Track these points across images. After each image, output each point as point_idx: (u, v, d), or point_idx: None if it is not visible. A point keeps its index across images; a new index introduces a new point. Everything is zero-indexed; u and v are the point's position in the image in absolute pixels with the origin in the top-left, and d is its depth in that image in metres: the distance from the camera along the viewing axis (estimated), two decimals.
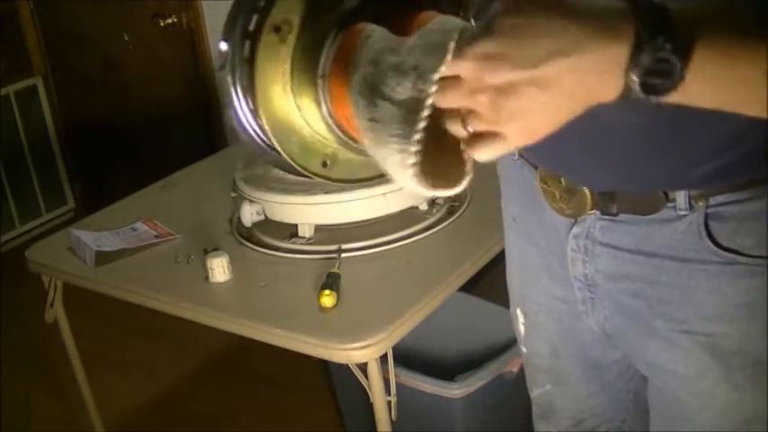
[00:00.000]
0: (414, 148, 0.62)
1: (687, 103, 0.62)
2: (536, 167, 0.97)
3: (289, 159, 0.77)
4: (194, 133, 3.23)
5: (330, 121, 0.75)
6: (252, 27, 0.73)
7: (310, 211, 1.63)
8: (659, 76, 0.58)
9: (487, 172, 1.35)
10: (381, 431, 1.46)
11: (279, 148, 0.76)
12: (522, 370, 1.23)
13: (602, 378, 1.11)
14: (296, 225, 1.66)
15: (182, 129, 3.27)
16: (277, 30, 0.72)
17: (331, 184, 1.61)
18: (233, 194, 1.77)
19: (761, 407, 0.91)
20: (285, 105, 0.75)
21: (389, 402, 1.44)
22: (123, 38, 3.20)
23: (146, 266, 1.68)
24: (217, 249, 1.61)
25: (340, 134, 0.75)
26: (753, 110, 0.64)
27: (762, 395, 0.91)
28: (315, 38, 0.73)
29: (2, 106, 3.38)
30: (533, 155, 0.98)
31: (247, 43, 0.73)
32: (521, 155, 1.02)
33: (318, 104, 0.74)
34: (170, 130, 3.28)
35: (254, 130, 0.78)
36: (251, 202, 1.66)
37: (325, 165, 0.79)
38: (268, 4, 0.72)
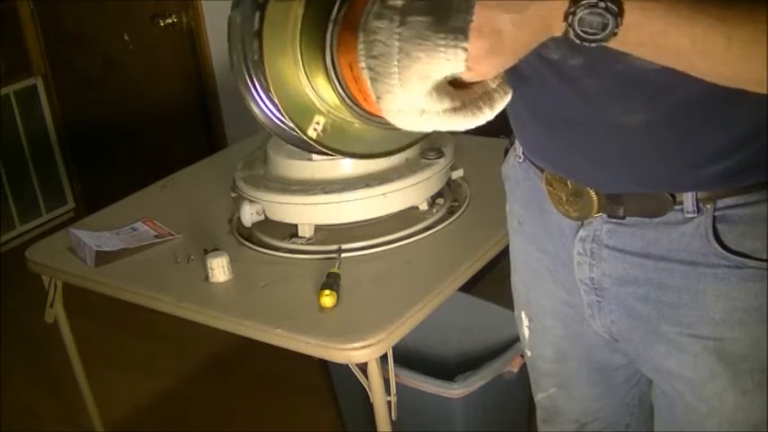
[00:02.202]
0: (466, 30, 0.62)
1: (623, 49, 0.67)
2: (542, 170, 0.97)
3: (284, 112, 0.75)
4: (194, 133, 3.23)
5: (332, 72, 0.72)
6: None
7: (310, 211, 1.63)
8: (591, 27, 0.64)
9: (488, 172, 1.35)
10: (381, 431, 1.46)
11: (275, 99, 0.74)
12: (522, 370, 1.23)
13: (607, 382, 1.11)
14: (296, 225, 1.66)
15: (182, 128, 3.27)
16: None
17: (330, 181, 1.61)
18: (233, 194, 1.77)
19: None
20: (290, 54, 0.73)
21: (389, 402, 1.44)
22: (123, 38, 3.20)
23: (146, 266, 1.68)
24: (217, 249, 1.61)
25: (339, 88, 0.73)
26: (688, 71, 0.69)
27: None
28: None
29: (2, 106, 3.37)
30: (539, 157, 0.98)
31: None
32: (526, 157, 1.01)
33: (323, 51, 0.72)
34: (170, 129, 3.28)
35: (254, 80, 0.77)
36: (251, 202, 1.66)
37: (317, 128, 0.77)
38: None
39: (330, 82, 0.73)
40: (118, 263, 1.70)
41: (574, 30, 0.64)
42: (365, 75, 0.65)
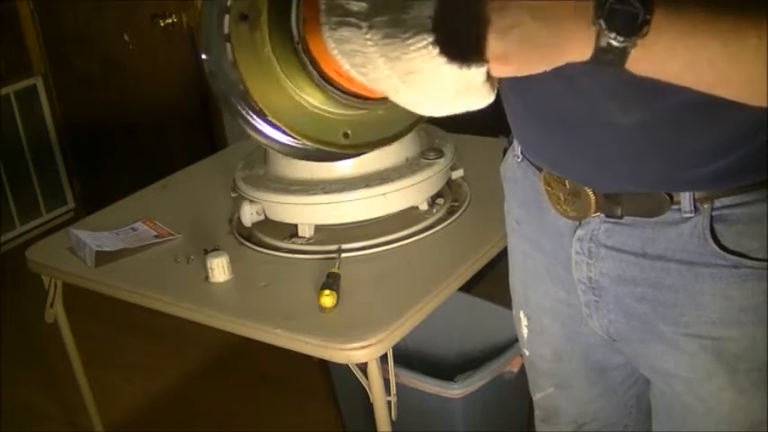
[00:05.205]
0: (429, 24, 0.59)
1: (654, 70, 0.64)
2: (540, 169, 0.97)
3: (311, 144, 0.74)
4: (194, 133, 3.23)
5: (327, 88, 0.70)
6: (226, 28, 0.70)
7: (310, 211, 1.63)
8: (623, 19, 0.61)
9: (488, 172, 1.35)
10: (381, 431, 1.46)
11: (296, 136, 0.73)
12: (522, 370, 1.23)
13: (605, 382, 1.11)
14: (296, 225, 1.66)
15: (182, 128, 3.27)
16: (244, 18, 0.68)
17: (330, 181, 1.60)
18: (233, 194, 1.77)
19: (767, 411, 0.91)
20: (283, 92, 0.72)
21: (389, 402, 1.44)
22: (123, 38, 3.20)
23: (146, 266, 1.68)
24: (217, 249, 1.61)
25: (342, 97, 0.71)
26: (720, 88, 0.65)
27: None
28: (283, 9, 0.69)
29: (2, 106, 3.38)
30: (537, 156, 0.98)
31: (228, 46, 0.70)
32: (524, 156, 1.01)
33: (308, 73, 0.70)
34: (170, 129, 3.28)
35: (266, 129, 0.76)
36: (251, 202, 1.66)
37: (347, 135, 0.75)
38: None
39: (331, 97, 0.72)
40: (118, 263, 1.70)
41: (606, 22, 0.60)
42: (358, 77, 0.64)
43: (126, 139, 3.44)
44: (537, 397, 1.20)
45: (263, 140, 0.76)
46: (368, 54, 0.61)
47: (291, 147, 0.77)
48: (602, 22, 0.61)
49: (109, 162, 3.56)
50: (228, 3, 0.69)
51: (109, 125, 3.43)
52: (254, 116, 0.74)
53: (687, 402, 0.95)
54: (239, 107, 0.74)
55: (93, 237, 1.76)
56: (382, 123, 0.77)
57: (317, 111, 0.73)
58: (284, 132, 0.74)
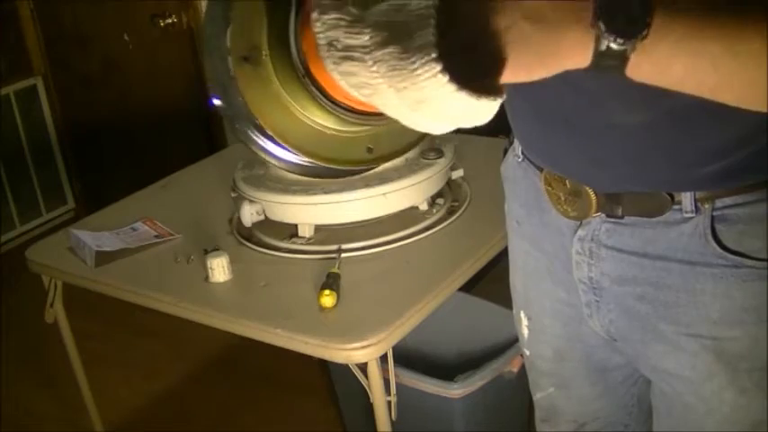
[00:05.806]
0: (433, 52, 0.57)
1: (656, 76, 0.62)
2: (540, 169, 0.97)
3: (339, 166, 0.73)
4: (194, 133, 3.23)
5: (338, 111, 0.70)
6: (231, 71, 0.69)
7: (310, 211, 1.63)
8: (623, 21, 0.58)
9: (488, 172, 1.35)
10: (381, 431, 1.46)
11: (321, 164, 0.73)
12: (522, 370, 1.23)
13: (605, 382, 1.11)
14: (296, 225, 1.66)
15: (182, 128, 3.27)
16: (246, 59, 0.68)
17: (330, 181, 1.60)
18: (233, 194, 1.77)
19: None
20: (299, 122, 0.72)
21: (389, 402, 1.44)
22: (123, 38, 3.20)
23: (146, 266, 1.68)
24: (217, 249, 1.61)
25: (354, 118, 0.71)
26: (722, 94, 0.64)
27: None
28: (282, 43, 0.69)
29: (2, 106, 3.38)
30: (537, 156, 0.98)
31: (236, 86, 0.70)
32: (525, 156, 1.01)
33: (319, 102, 0.70)
34: (170, 129, 3.29)
35: (288, 157, 0.76)
36: (251, 202, 1.66)
37: (370, 150, 0.75)
38: (227, 41, 0.68)
39: (346, 120, 0.72)
40: (118, 263, 1.70)
41: (606, 24, 0.58)
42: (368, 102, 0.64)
43: (126, 139, 3.44)
44: (537, 397, 1.20)
45: (289, 168, 0.76)
46: (376, 86, 0.60)
47: (318, 167, 0.76)
48: (601, 24, 0.58)
49: (109, 162, 3.56)
50: (228, 45, 0.68)
51: (109, 125, 3.43)
52: (277, 145, 0.74)
53: (688, 402, 0.95)
54: (260, 142, 0.74)
55: (93, 237, 1.76)
56: (401, 130, 0.76)
57: (336, 134, 0.73)
58: (309, 162, 0.74)
